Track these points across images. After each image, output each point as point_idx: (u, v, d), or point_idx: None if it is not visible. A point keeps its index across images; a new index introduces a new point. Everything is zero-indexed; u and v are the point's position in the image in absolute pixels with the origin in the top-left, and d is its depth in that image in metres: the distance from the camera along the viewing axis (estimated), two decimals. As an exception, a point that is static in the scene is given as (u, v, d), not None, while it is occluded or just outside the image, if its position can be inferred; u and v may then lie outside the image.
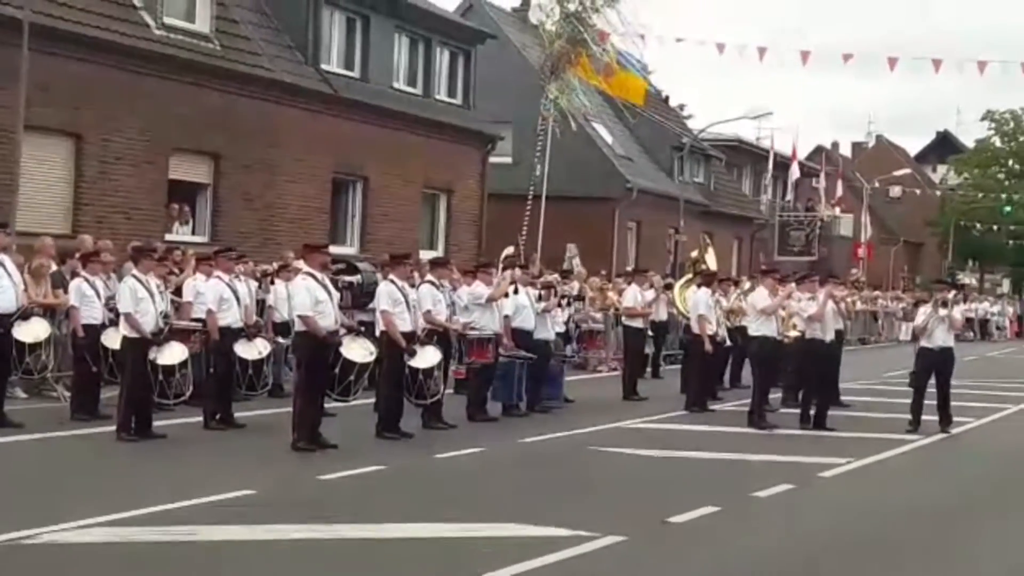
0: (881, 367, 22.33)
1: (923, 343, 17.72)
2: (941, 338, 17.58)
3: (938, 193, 77.31)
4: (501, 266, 19.36)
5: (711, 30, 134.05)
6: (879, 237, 68.69)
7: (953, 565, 9.98)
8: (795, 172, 51.64)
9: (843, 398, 20.35)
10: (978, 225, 71.25)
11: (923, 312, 17.94)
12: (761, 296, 17.97)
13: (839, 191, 57.54)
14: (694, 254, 27.14)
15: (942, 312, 17.51)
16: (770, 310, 17.78)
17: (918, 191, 72.94)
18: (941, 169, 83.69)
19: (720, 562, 9.56)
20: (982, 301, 56.71)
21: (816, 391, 17.95)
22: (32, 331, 14.69)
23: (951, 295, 18.17)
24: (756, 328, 17.84)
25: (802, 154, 58.90)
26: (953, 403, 18.12)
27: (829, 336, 18.14)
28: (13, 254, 15.63)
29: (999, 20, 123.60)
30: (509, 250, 24.23)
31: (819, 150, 70.89)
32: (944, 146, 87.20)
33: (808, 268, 36.09)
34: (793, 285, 18.61)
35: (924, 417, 17.64)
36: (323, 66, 28.28)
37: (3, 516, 9.62)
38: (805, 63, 33.53)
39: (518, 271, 19.13)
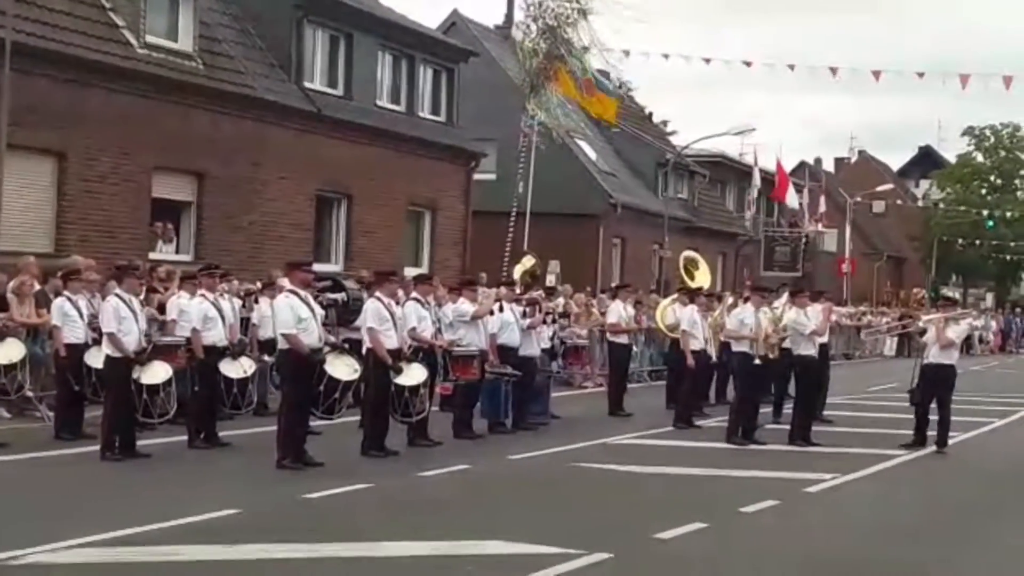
0: (865, 382, 22.36)
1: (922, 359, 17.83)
2: (933, 354, 17.57)
3: (920, 204, 77.56)
4: (520, 283, 19.42)
5: (696, 47, 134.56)
6: (862, 252, 68.90)
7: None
8: (793, 200, 51.87)
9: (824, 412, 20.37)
10: (961, 240, 71.49)
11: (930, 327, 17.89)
12: (748, 312, 17.95)
13: (822, 207, 57.66)
14: (682, 267, 26.70)
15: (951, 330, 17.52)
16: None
17: (900, 202, 73.21)
18: (924, 184, 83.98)
19: (708, 578, 9.56)
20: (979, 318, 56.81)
21: (807, 406, 17.96)
22: (6, 353, 14.60)
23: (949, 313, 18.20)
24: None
25: (785, 170, 59.03)
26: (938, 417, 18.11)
27: (816, 351, 18.21)
28: (-4, 274, 15.60)
29: (980, 37, 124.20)
30: (528, 263, 23.72)
31: (802, 166, 71.05)
32: (926, 161, 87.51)
33: (793, 283, 36.19)
34: (830, 304, 18.77)
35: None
36: (306, 84, 28.26)
37: (-14, 537, 9.58)
38: (793, 70, 33.90)
39: (503, 289, 19.12)
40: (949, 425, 17.67)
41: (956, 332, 17.76)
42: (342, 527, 10.70)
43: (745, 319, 17.80)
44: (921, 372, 17.67)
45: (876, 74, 34.21)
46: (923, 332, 18.11)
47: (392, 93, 31.57)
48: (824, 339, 19.87)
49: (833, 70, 34.34)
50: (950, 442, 17.91)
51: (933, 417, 17.65)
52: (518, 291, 20.03)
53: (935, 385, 17.53)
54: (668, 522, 11.08)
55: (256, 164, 26.35)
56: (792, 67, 34.69)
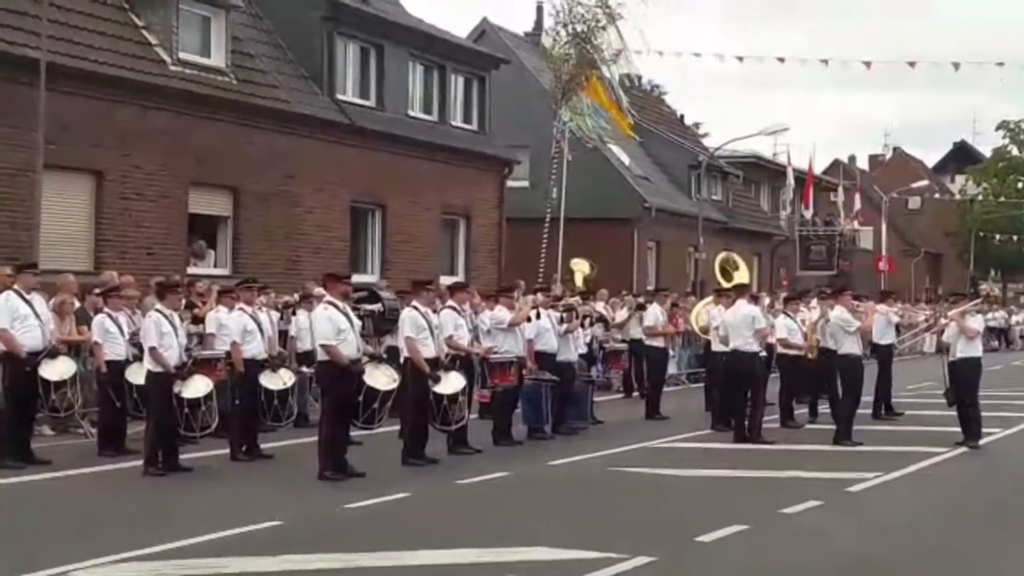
0: (905, 380, 22.25)
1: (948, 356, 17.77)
2: (960, 349, 17.49)
3: (956, 199, 77.05)
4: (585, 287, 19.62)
5: (728, 46, 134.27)
6: (899, 249, 68.55)
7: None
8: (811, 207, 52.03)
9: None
10: (998, 235, 71.00)
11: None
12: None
13: (857, 204, 57.40)
14: (720, 269, 26.66)
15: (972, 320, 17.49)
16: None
17: (937, 195, 72.76)
18: (959, 180, 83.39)
19: (750, 580, 9.55)
20: (1000, 310, 56.51)
21: (850, 406, 17.90)
22: (57, 369, 14.73)
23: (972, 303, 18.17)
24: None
25: (819, 168, 58.87)
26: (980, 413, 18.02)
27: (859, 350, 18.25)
28: (38, 292, 15.72)
29: (1015, 33, 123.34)
30: (585, 267, 23.64)
31: (836, 164, 70.76)
32: (961, 156, 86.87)
33: (831, 282, 36.13)
34: (872, 303, 19.03)
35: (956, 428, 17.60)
36: (339, 96, 28.39)
37: (35, 553, 9.69)
38: (827, 65, 34.04)
39: (540, 295, 19.14)
40: (980, 420, 17.57)
41: (977, 321, 17.70)
42: (384, 536, 10.73)
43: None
44: (950, 370, 17.57)
45: (912, 64, 34.27)
46: (943, 331, 18.02)
47: (424, 103, 31.65)
48: (891, 339, 21.13)
49: (867, 64, 34.40)
50: (992, 438, 17.83)
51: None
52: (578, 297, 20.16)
53: (964, 380, 17.43)
54: (709, 525, 11.07)
55: (290, 177, 26.48)
56: (826, 62, 34.90)
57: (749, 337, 17.74)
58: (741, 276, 25.15)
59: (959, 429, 17.52)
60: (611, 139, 38.77)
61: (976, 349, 17.50)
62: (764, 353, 18.25)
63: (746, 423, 17.82)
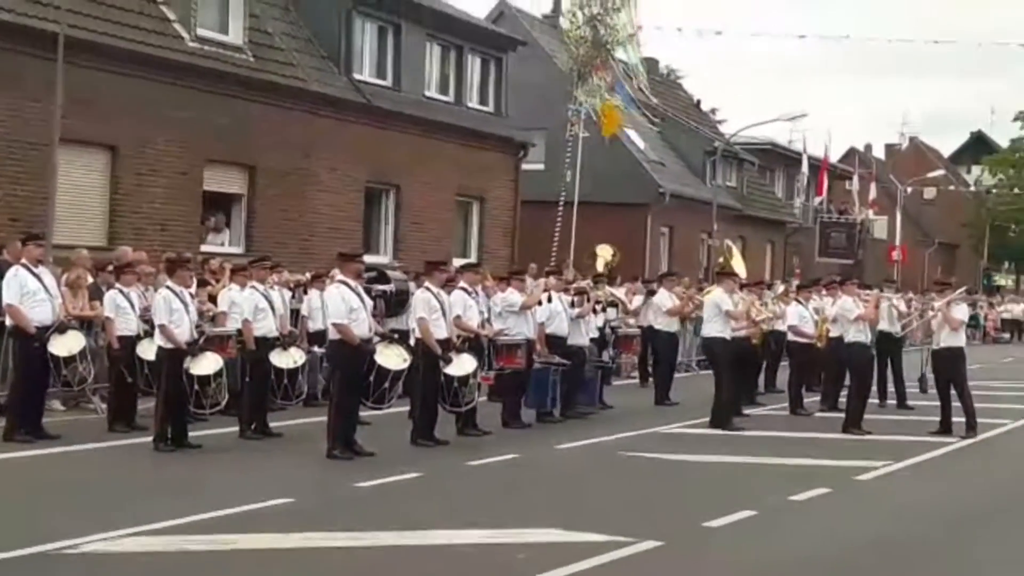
0: (916, 370, 22.25)
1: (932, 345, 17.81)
2: (943, 338, 17.46)
3: (972, 190, 76.79)
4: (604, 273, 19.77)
5: (747, 27, 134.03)
6: (913, 239, 68.38)
7: (990, 569, 9.91)
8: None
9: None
10: (1014, 226, 70.77)
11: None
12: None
13: (872, 193, 57.21)
14: (720, 260, 27.07)
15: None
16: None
17: (951, 188, 72.52)
18: (976, 170, 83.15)
19: (758, 566, 9.53)
20: (1019, 303, 56.43)
21: (859, 394, 17.86)
22: (66, 344, 14.71)
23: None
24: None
25: (835, 157, 58.63)
26: (990, 405, 18.02)
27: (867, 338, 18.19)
28: (51, 267, 15.74)
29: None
30: (607, 253, 23.72)
31: (852, 152, 70.57)
32: (978, 147, 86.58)
33: (840, 271, 36.08)
34: (877, 291, 19.01)
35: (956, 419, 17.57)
36: (355, 75, 28.37)
37: (44, 526, 9.73)
38: (848, 38, 34.03)
39: (552, 279, 19.12)
40: (973, 409, 17.53)
41: (962, 312, 17.68)
42: (393, 516, 10.77)
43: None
44: (932, 358, 17.61)
45: (935, 41, 34.30)
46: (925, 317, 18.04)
47: (440, 83, 31.63)
48: (895, 328, 20.81)
49: (889, 41, 34.50)
50: (1003, 430, 17.80)
51: (957, 403, 17.57)
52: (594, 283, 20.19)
53: (947, 369, 17.42)
54: (717, 510, 11.09)
55: (306, 156, 26.47)
56: (847, 36, 34.88)
57: (713, 323, 17.85)
58: (736, 267, 25.26)
59: (963, 420, 17.47)
60: (626, 123, 38.72)
61: (959, 339, 17.50)
62: (728, 337, 18.07)
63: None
